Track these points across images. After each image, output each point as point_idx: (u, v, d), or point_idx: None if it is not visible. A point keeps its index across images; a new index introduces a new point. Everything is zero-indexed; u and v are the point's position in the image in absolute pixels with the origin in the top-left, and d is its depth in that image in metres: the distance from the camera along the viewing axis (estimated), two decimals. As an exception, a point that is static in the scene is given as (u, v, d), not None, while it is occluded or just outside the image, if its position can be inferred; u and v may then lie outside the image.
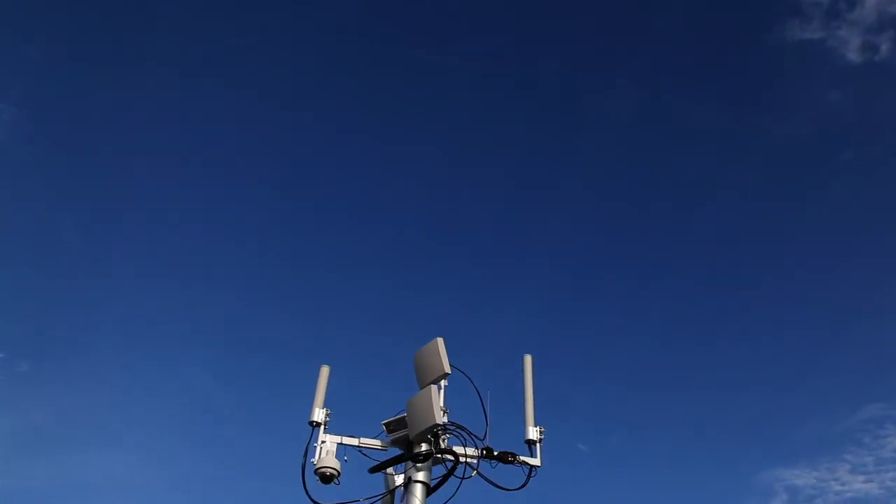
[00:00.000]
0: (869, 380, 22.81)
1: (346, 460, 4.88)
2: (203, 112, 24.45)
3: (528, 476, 5.10)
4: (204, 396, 23.71)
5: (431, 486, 4.80)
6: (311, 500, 4.79)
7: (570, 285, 26.02)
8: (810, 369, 24.01)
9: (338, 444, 4.91)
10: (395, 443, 4.95)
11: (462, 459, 4.92)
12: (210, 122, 24.58)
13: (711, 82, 24.89)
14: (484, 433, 4.87)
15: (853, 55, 21.91)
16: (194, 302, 24.97)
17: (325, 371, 5.21)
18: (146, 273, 24.14)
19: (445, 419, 4.66)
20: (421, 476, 4.77)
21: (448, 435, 4.95)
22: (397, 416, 4.91)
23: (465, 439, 4.93)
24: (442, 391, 4.84)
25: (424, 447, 4.82)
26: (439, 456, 4.92)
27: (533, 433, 5.18)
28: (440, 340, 4.83)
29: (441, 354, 4.77)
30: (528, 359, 5.59)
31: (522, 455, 5.12)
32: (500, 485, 5.08)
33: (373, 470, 4.96)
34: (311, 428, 4.97)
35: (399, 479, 5.15)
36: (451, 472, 4.93)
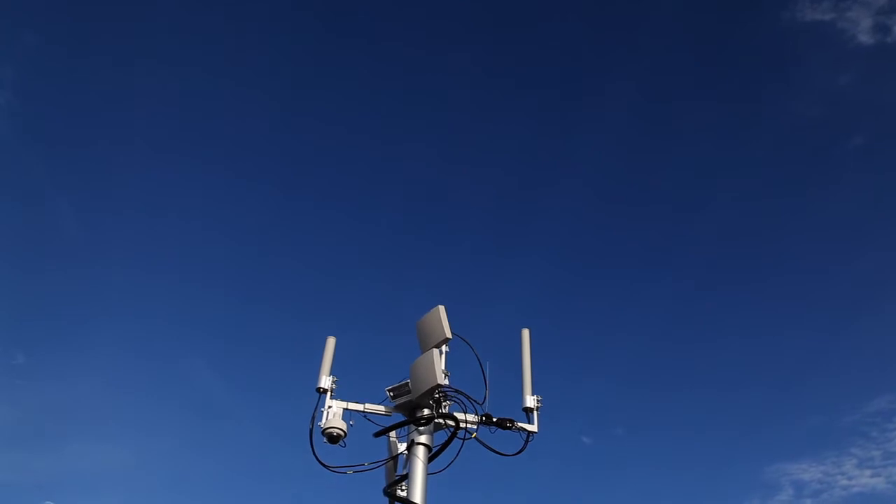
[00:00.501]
0: (878, 372, 22.58)
1: (351, 424, 5.10)
2: (202, 107, 24.65)
3: (526, 441, 5.33)
4: (203, 392, 23.86)
5: (433, 449, 5.03)
6: (320, 462, 5.02)
7: (570, 283, 26.23)
8: (817, 363, 24.05)
9: (343, 409, 5.12)
10: (398, 408, 5.17)
11: (462, 425, 5.15)
12: (209, 117, 24.78)
13: (717, 68, 24.84)
14: (483, 398, 5.09)
15: (864, 37, 21.18)
16: (192, 296, 25.18)
17: (331, 341, 5.43)
18: (144, 267, 24.34)
19: (447, 382, 4.88)
20: (423, 439, 4.99)
21: (449, 402, 5.18)
22: (401, 383, 5.12)
23: (465, 405, 5.16)
24: (443, 356, 5.06)
25: (426, 412, 5.05)
26: (440, 421, 5.14)
27: (530, 401, 5.41)
28: (441, 308, 5.06)
29: (442, 320, 4.99)
30: (525, 332, 5.82)
31: (520, 422, 5.36)
32: (498, 450, 5.32)
33: (377, 434, 5.18)
34: (318, 394, 5.19)
35: (402, 447, 5.38)
36: (452, 437, 5.14)
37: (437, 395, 5.07)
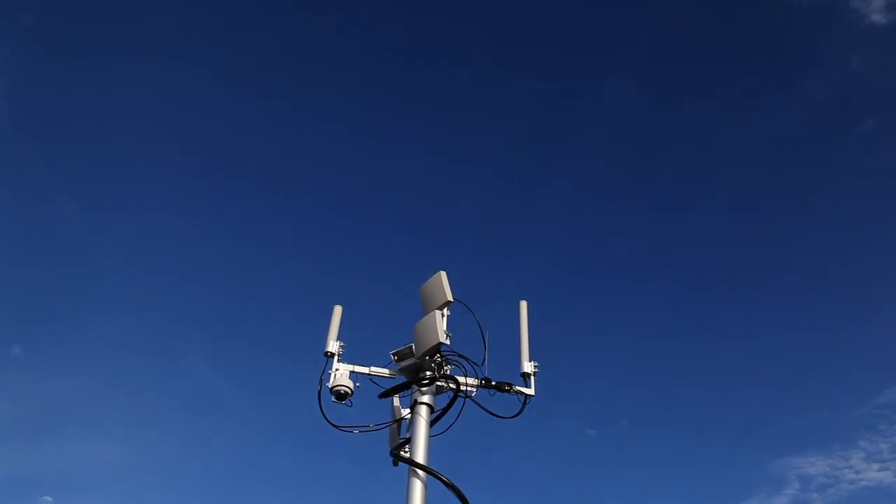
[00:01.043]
0: (888, 364, 22.61)
1: (358, 386, 5.37)
2: (202, 106, 24.98)
3: (523, 404, 5.60)
4: (202, 388, 24.09)
5: (435, 411, 5.30)
6: (328, 421, 5.31)
7: (570, 283, 26.46)
8: (823, 355, 24.16)
9: (350, 371, 5.39)
10: (402, 371, 5.43)
11: (463, 388, 5.42)
12: (210, 117, 25.11)
13: (723, 50, 24.96)
14: (483, 359, 5.37)
15: (877, 16, 20.97)
16: (191, 293, 25.45)
17: (338, 309, 5.71)
18: (143, 264, 24.63)
19: (448, 342, 5.15)
20: (426, 399, 5.26)
21: (451, 365, 5.45)
22: (404, 347, 5.39)
23: (465, 369, 5.44)
24: (444, 318, 5.33)
25: (429, 374, 5.32)
26: (442, 384, 5.41)
27: (528, 367, 5.68)
28: (443, 273, 5.34)
29: (444, 285, 5.27)
30: (523, 304, 6.09)
31: (518, 386, 5.63)
32: (496, 413, 5.59)
33: (382, 395, 5.45)
34: (325, 359, 5.46)
35: (405, 412, 5.65)
36: (453, 400, 5.42)
37: (438, 359, 5.34)
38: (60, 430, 23.18)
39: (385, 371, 5.49)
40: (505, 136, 27.27)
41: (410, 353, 5.34)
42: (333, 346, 5.47)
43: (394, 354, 5.43)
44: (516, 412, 5.59)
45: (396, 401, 5.77)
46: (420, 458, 5.09)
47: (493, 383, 5.53)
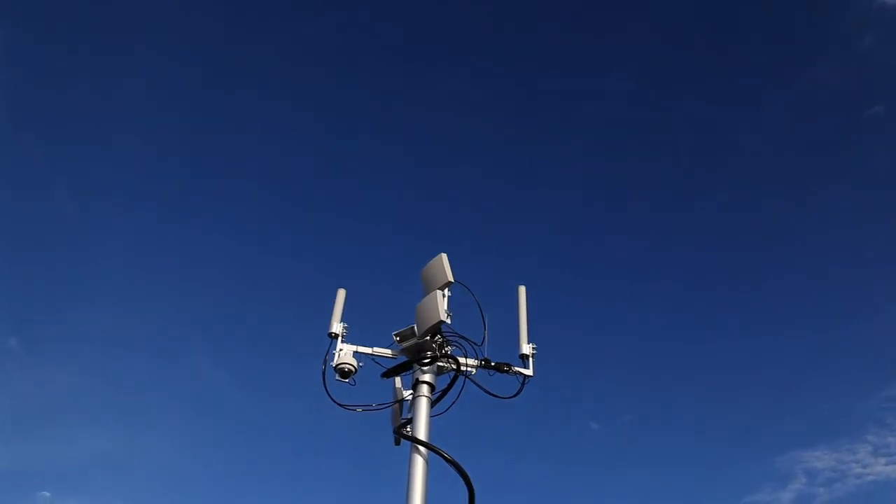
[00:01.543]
0: (888, 363, 22.67)
1: (361, 366, 5.53)
2: (202, 106, 25.12)
3: (522, 385, 5.76)
4: (202, 382, 24.17)
5: (436, 392, 5.46)
6: (332, 399, 5.48)
7: (568, 283, 26.58)
8: (823, 355, 24.26)
9: (353, 352, 5.56)
10: (404, 351, 5.60)
11: (463, 368, 5.58)
12: (210, 117, 25.24)
13: (724, 48, 24.95)
14: (482, 340, 5.53)
15: None
16: (191, 289, 25.57)
17: (341, 293, 5.88)
18: (142, 260, 24.76)
19: (449, 321, 5.31)
20: (427, 377, 5.43)
21: (451, 346, 5.61)
22: (407, 328, 5.56)
23: (465, 350, 5.60)
24: (445, 299, 5.49)
25: (430, 354, 5.48)
26: (443, 364, 5.56)
27: (526, 349, 5.85)
28: (444, 255, 5.52)
29: (445, 266, 5.45)
30: (521, 289, 6.26)
31: (517, 366, 5.79)
32: (495, 393, 5.76)
33: (384, 375, 5.62)
34: (329, 339, 5.62)
35: (407, 394, 5.80)
36: (454, 380, 5.58)
37: (439, 339, 5.51)
38: (57, 424, 23.28)
39: (387, 352, 5.66)
40: (504, 136, 27.46)
41: (412, 334, 5.50)
42: (337, 327, 5.63)
43: (396, 335, 5.59)
44: (514, 392, 5.75)
45: (398, 382, 5.93)
46: (422, 435, 5.24)
47: (493, 364, 5.69)
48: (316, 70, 26.25)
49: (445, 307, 5.34)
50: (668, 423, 24.36)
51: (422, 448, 5.18)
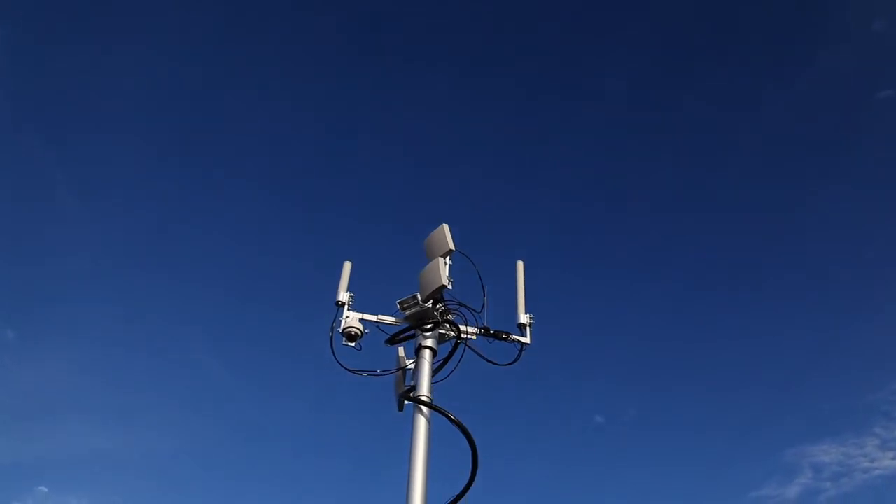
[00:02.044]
0: (888, 362, 22.48)
1: (366, 332, 5.81)
2: (202, 106, 25.38)
3: (520, 352, 6.04)
4: (200, 377, 24.31)
5: (437, 352, 5.74)
6: (339, 363, 5.76)
7: (570, 282, 26.77)
8: (823, 355, 24.34)
9: (359, 319, 5.83)
10: (407, 319, 5.87)
11: (463, 335, 5.86)
12: (210, 116, 25.50)
13: (724, 46, 24.99)
14: (482, 306, 5.82)
15: None
16: (190, 287, 25.77)
17: (347, 265, 6.15)
18: (142, 258, 24.96)
19: (450, 287, 5.59)
20: (429, 342, 5.72)
21: (452, 314, 5.89)
22: (410, 296, 5.83)
23: (466, 318, 5.88)
24: (447, 266, 5.76)
25: (432, 321, 5.76)
26: (444, 331, 5.84)
27: (524, 318, 6.13)
28: (445, 225, 5.81)
29: (446, 235, 5.74)
30: (519, 263, 6.54)
31: (515, 335, 6.07)
32: (493, 360, 6.03)
33: (388, 340, 5.90)
34: (336, 308, 5.90)
35: (409, 363, 6.08)
36: (455, 348, 5.87)
37: (440, 307, 5.78)
38: (56, 419, 23.35)
39: (391, 319, 5.93)
40: (504, 136, 27.71)
41: (416, 303, 5.77)
42: (344, 296, 5.91)
43: (399, 303, 5.86)
44: (512, 360, 6.02)
45: (401, 352, 6.20)
46: (424, 396, 5.51)
47: (492, 332, 5.97)
48: (316, 70, 26.52)
49: (447, 273, 5.62)
50: (664, 424, 24.51)
51: (424, 409, 5.45)
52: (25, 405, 22.92)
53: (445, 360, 5.95)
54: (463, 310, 5.84)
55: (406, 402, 5.72)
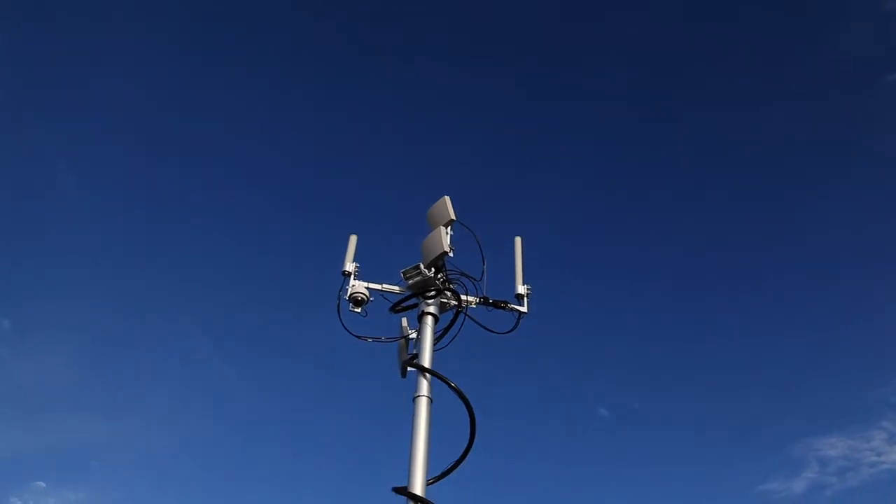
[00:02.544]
0: (888, 362, 22.70)
1: (371, 300, 6.09)
2: (202, 105, 25.59)
3: (517, 321, 6.32)
4: (203, 378, 24.46)
5: (439, 319, 6.02)
6: (345, 329, 6.04)
7: (570, 283, 26.95)
8: (823, 355, 24.47)
9: (365, 287, 6.11)
10: (410, 287, 6.15)
11: (464, 304, 6.14)
12: (210, 116, 25.73)
13: (730, 32, 24.93)
14: (481, 274, 6.10)
15: None
16: (190, 284, 25.96)
17: (353, 238, 6.44)
18: (142, 257, 25.14)
19: (452, 254, 5.88)
20: (431, 309, 6.00)
21: (453, 284, 6.17)
22: (413, 266, 6.11)
23: (466, 287, 6.16)
24: (448, 235, 6.04)
25: (433, 290, 6.04)
26: (445, 300, 6.11)
27: (521, 289, 6.40)
28: (447, 198, 6.10)
29: (448, 206, 6.03)
30: (518, 239, 6.82)
31: (513, 304, 6.35)
32: (492, 329, 6.30)
33: (392, 307, 6.17)
34: (343, 277, 6.18)
35: (412, 333, 6.34)
36: (456, 316, 6.15)
37: (441, 276, 6.06)
38: (51, 410, 23.38)
39: (395, 288, 6.21)
40: (504, 136, 27.97)
41: (418, 271, 6.05)
42: (350, 266, 6.19)
43: (403, 272, 6.14)
44: (510, 328, 6.30)
45: (404, 322, 6.46)
46: (426, 361, 5.78)
47: (491, 301, 6.25)
48: (316, 70, 26.81)
49: (449, 241, 5.90)
50: (664, 425, 24.69)
51: (426, 374, 5.72)
52: (21, 397, 23.02)
53: (446, 329, 6.23)
54: (464, 279, 6.12)
55: (409, 368, 6.00)
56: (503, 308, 6.27)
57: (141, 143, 25.63)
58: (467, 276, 6.10)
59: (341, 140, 27.43)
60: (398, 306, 6.18)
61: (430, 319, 5.96)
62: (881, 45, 24.25)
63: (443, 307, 6.18)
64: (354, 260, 6.28)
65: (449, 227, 6.06)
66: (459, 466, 5.67)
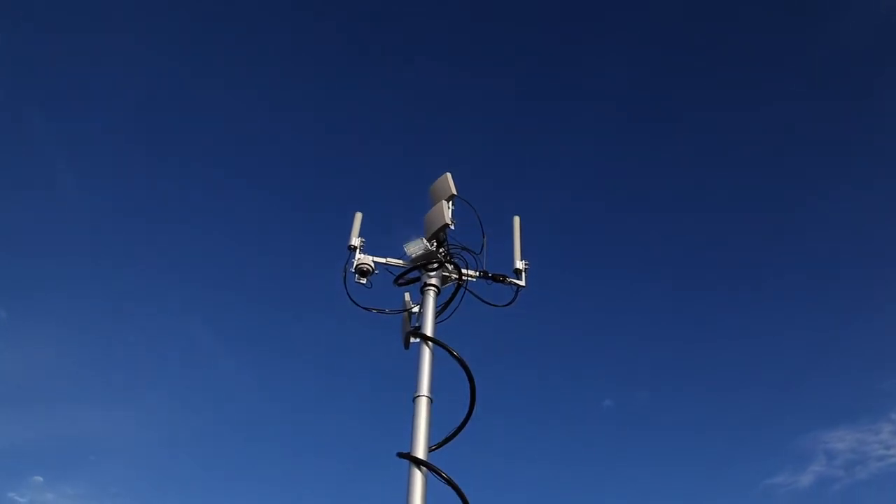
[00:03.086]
0: (887, 362, 22.72)
1: (376, 273, 6.36)
2: (203, 105, 25.81)
3: (515, 294, 6.60)
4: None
5: (441, 291, 6.30)
6: (351, 300, 6.32)
7: (570, 283, 27.14)
8: (823, 355, 24.61)
9: (370, 260, 6.39)
10: (413, 261, 6.43)
11: (465, 278, 6.42)
12: (211, 118, 25.96)
13: (730, 32, 24.99)
14: (481, 248, 6.38)
15: None
16: (189, 283, 26.13)
17: (358, 215, 6.72)
18: (143, 256, 25.30)
19: (453, 227, 6.16)
20: (433, 281, 6.28)
21: (454, 258, 6.44)
22: (416, 240, 6.39)
23: (467, 262, 6.44)
24: (450, 210, 6.32)
25: (436, 263, 6.32)
26: (447, 273, 6.39)
27: (519, 264, 6.69)
28: (448, 174, 6.39)
29: (449, 183, 6.32)
30: (516, 219, 7.11)
31: (511, 278, 6.63)
32: (491, 302, 6.58)
33: (397, 279, 6.45)
34: (349, 251, 6.45)
35: (415, 308, 6.61)
36: (457, 289, 6.42)
37: (443, 251, 6.34)
38: (47, 403, 23.37)
39: (399, 261, 6.49)
40: (503, 136, 28.21)
41: (422, 246, 6.33)
42: (356, 241, 6.47)
43: (406, 247, 6.42)
44: (508, 301, 6.57)
45: (407, 297, 6.74)
46: (429, 330, 6.06)
47: (490, 275, 6.53)
48: (316, 70, 27.07)
49: (450, 215, 6.19)
50: (664, 425, 24.87)
51: (429, 342, 5.99)
52: (17, 389, 23.04)
53: (447, 303, 6.50)
54: (464, 253, 6.40)
55: (412, 340, 6.27)
56: (502, 282, 6.54)
57: (141, 143, 25.82)
58: (467, 250, 6.38)
59: (341, 140, 27.66)
60: (402, 278, 6.45)
61: (432, 291, 6.24)
62: (881, 44, 24.52)
63: (444, 280, 6.45)
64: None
65: (450, 202, 6.34)
66: (460, 434, 5.95)
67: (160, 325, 25.82)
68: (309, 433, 25.29)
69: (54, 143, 25.06)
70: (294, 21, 26.81)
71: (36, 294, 24.55)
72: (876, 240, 25.32)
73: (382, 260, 6.47)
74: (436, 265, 6.29)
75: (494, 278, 6.54)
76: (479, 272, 6.51)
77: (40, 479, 21.58)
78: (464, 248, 6.40)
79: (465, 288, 6.43)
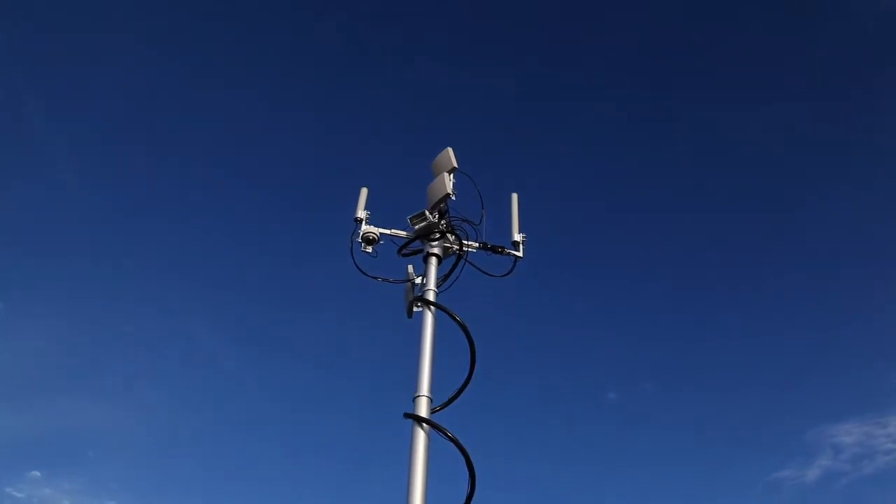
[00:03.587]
0: (887, 362, 22.93)
1: (381, 243, 6.71)
2: (202, 105, 26.08)
3: (513, 265, 6.94)
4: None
5: (442, 260, 6.65)
6: (358, 268, 6.66)
7: (570, 283, 27.37)
8: (823, 355, 24.71)
9: (376, 230, 6.74)
10: (416, 232, 6.77)
11: (465, 248, 6.76)
12: (211, 118, 26.24)
13: (730, 32, 25.08)
14: (480, 219, 6.72)
15: None
16: (191, 283, 26.36)
17: (364, 191, 7.07)
18: (143, 256, 25.51)
19: (454, 198, 6.51)
20: (435, 250, 6.63)
21: (455, 229, 6.78)
22: (419, 212, 6.73)
23: (467, 232, 6.78)
24: (451, 182, 6.66)
25: (437, 233, 6.67)
26: (448, 245, 6.73)
27: (517, 237, 7.04)
28: (450, 149, 6.74)
29: (450, 156, 6.67)
30: (514, 196, 7.45)
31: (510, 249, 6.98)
32: (490, 272, 6.92)
33: (400, 249, 6.79)
34: (354, 223, 6.80)
35: (418, 280, 6.95)
36: (458, 261, 6.76)
37: (443, 223, 6.69)
38: (45, 396, 23.52)
39: (402, 233, 6.84)
40: (503, 135, 28.51)
41: (423, 217, 6.67)
42: (362, 213, 6.83)
43: (410, 218, 6.76)
44: (506, 272, 6.92)
45: (410, 268, 7.08)
46: (431, 296, 6.40)
47: (489, 246, 6.88)
48: (316, 70, 27.38)
49: (452, 186, 6.54)
50: (664, 424, 25.06)
51: (431, 307, 6.33)
52: (16, 384, 23.15)
53: (448, 274, 6.85)
54: (465, 225, 6.75)
55: (415, 309, 6.60)
56: (500, 253, 6.88)
57: (141, 142, 26.09)
58: (468, 222, 6.73)
59: (341, 140, 27.97)
60: (405, 248, 6.79)
61: (434, 260, 6.59)
62: (881, 44, 24.81)
63: (445, 251, 6.79)
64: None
65: (452, 175, 6.69)
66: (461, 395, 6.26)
67: (160, 325, 26.03)
68: (309, 433, 25.46)
69: (54, 142, 25.37)
70: (294, 21, 27.18)
71: (35, 290, 24.77)
72: (876, 240, 25.58)
73: (387, 231, 6.82)
74: (437, 235, 6.63)
75: (493, 249, 6.88)
76: (479, 243, 6.85)
77: (38, 474, 21.65)
78: (464, 220, 6.75)
79: (466, 259, 6.77)
